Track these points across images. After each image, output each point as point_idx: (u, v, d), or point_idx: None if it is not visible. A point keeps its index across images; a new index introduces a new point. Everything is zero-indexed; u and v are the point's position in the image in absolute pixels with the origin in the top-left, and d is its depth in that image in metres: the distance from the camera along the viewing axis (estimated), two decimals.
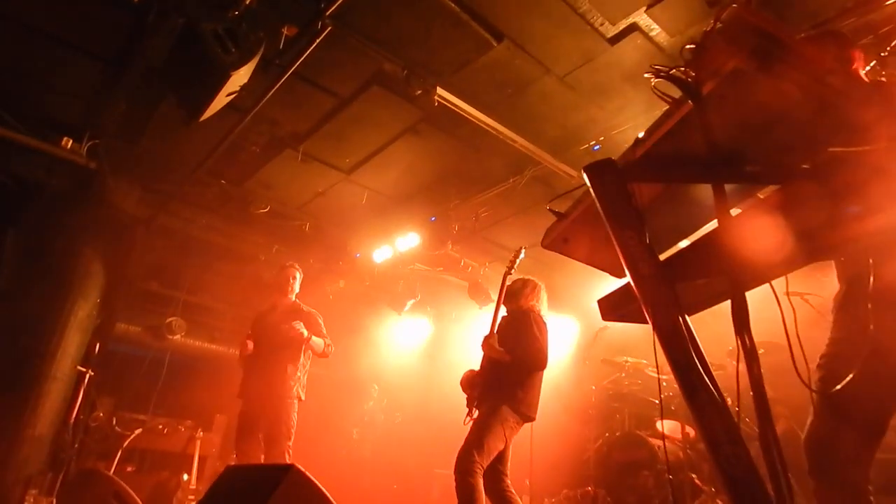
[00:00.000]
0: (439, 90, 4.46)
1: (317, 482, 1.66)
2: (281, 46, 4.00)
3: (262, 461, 4.13)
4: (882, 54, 3.78)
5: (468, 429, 3.55)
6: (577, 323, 7.36)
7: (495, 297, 7.21)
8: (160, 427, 6.19)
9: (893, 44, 3.72)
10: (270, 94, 4.38)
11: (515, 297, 4.00)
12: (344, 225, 7.08)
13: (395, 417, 7.44)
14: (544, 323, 3.88)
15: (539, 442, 5.06)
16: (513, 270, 4.10)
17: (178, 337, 7.11)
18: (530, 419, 3.63)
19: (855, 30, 3.99)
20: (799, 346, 1.30)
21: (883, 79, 3.59)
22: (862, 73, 1.85)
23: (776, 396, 4.56)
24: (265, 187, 6.35)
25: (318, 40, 3.87)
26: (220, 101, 3.62)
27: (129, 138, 5.40)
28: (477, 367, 3.85)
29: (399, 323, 8.31)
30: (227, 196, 6.41)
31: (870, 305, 1.48)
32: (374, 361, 8.06)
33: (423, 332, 8.69)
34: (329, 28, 3.81)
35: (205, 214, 6.79)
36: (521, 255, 4.18)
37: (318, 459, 5.65)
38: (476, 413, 3.63)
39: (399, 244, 6.76)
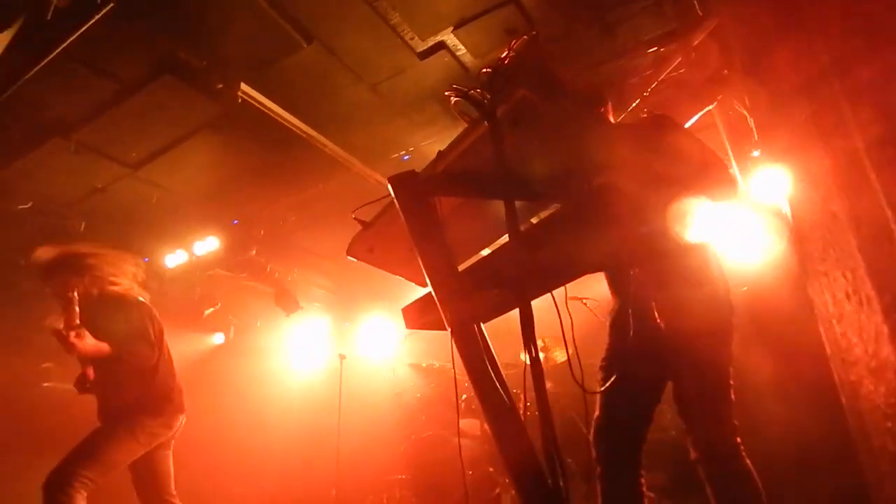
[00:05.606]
0: (243, 86, 4.20)
1: None
2: (49, 17, 3.43)
3: None
4: (644, 94, 4.47)
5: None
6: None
7: (303, 305, 7.00)
8: None
9: (653, 85, 4.42)
10: (29, 74, 3.72)
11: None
12: (130, 226, 6.27)
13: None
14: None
15: (345, 450, 5.01)
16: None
17: None
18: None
19: (625, 71, 4.66)
20: (575, 349, 1.45)
21: (644, 115, 4.24)
22: (610, 117, 2.17)
23: (562, 391, 5.08)
24: (27, 179, 5.37)
25: (96, 17, 3.39)
26: None
27: None
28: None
29: (195, 333, 7.63)
30: None
31: (630, 311, 1.72)
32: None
33: (223, 341, 8.09)
34: (112, 5, 3.36)
35: None
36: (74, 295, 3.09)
37: None
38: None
39: (196, 248, 6.22)
